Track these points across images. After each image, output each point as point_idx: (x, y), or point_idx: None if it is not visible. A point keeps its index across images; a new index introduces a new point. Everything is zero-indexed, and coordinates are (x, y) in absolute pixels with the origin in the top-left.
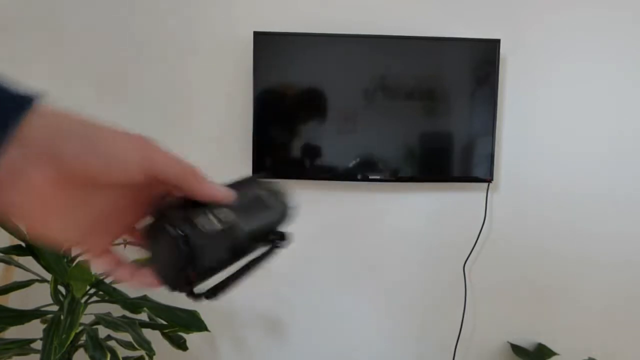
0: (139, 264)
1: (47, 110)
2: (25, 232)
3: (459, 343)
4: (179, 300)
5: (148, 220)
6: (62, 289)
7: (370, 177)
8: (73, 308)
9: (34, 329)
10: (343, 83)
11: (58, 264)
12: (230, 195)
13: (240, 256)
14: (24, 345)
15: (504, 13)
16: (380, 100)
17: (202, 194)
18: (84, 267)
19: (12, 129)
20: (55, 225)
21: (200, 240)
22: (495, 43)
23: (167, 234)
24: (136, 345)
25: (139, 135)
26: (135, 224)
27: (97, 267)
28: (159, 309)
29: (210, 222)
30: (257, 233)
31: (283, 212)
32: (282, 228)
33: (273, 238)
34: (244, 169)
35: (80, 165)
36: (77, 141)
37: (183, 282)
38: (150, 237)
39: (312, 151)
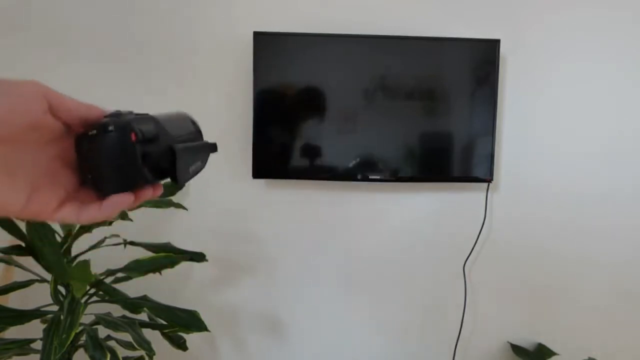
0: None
1: None
2: None
3: (459, 343)
4: (179, 300)
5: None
6: (62, 289)
7: (370, 177)
8: (73, 308)
9: (34, 329)
10: (343, 83)
11: (58, 264)
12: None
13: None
14: (24, 345)
15: (504, 13)
16: (380, 100)
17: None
18: (84, 267)
19: None
20: None
21: (144, 135)
22: (495, 43)
23: (114, 135)
24: (136, 345)
25: (28, 80)
26: (75, 178)
27: (61, 220)
28: (159, 309)
29: (145, 126)
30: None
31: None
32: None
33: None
34: (244, 169)
35: None
36: None
37: (140, 177)
38: (92, 149)
39: (312, 151)
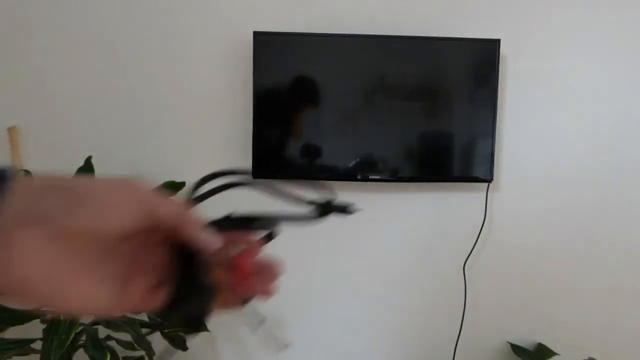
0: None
1: (24, 178)
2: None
3: (459, 343)
4: None
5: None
6: None
7: (370, 177)
8: None
9: (34, 329)
10: (343, 83)
11: None
12: (217, 244)
13: None
14: (24, 345)
15: (504, 13)
16: (380, 100)
17: (195, 243)
18: None
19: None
20: (77, 290)
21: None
22: (495, 43)
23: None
24: (136, 345)
25: (125, 181)
26: (159, 261)
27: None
28: None
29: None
30: None
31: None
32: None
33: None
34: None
35: (70, 220)
36: (60, 197)
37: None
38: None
39: (312, 151)
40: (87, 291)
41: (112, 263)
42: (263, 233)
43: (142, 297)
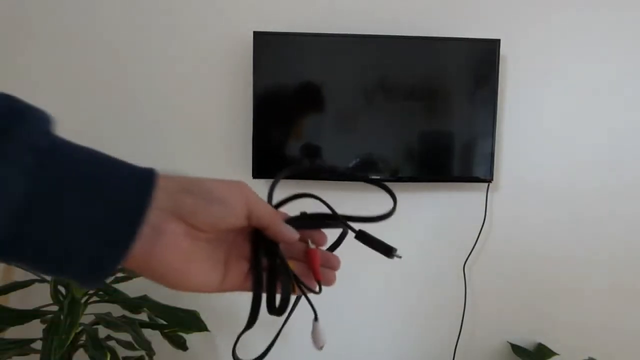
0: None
1: (165, 176)
2: (170, 285)
3: (459, 343)
4: (179, 300)
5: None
6: (62, 289)
7: (370, 177)
8: (73, 308)
9: (34, 329)
10: (343, 83)
11: None
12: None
13: None
14: (24, 345)
15: (504, 13)
16: (380, 100)
17: (281, 239)
18: None
19: (150, 197)
20: (195, 274)
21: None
22: (495, 43)
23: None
24: (136, 345)
25: (237, 184)
26: (244, 252)
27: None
28: (159, 309)
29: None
30: None
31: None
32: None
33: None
34: (244, 169)
35: (204, 216)
36: (196, 199)
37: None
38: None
39: (312, 151)
40: (204, 275)
41: (221, 251)
42: (335, 229)
43: (238, 280)
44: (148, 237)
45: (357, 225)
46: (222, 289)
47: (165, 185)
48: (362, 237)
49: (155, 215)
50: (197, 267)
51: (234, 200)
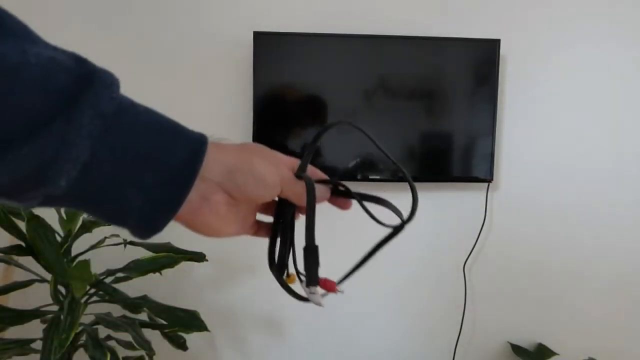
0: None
1: (213, 145)
2: (204, 235)
3: (459, 343)
4: (179, 300)
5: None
6: (62, 289)
7: (370, 177)
8: (73, 308)
9: (34, 329)
10: (343, 83)
11: (58, 264)
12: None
13: None
14: (24, 345)
15: (504, 13)
16: (380, 100)
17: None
18: (84, 267)
19: (198, 166)
20: (225, 230)
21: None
22: (495, 43)
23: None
24: (136, 345)
25: (279, 164)
26: (263, 206)
27: (259, 237)
28: (159, 309)
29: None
30: None
31: None
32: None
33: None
34: None
35: (245, 192)
36: (248, 176)
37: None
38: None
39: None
40: (229, 228)
41: (245, 211)
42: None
43: (248, 228)
44: (196, 203)
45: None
46: (236, 234)
47: (219, 159)
48: (310, 252)
49: (205, 185)
50: (226, 224)
51: (272, 181)
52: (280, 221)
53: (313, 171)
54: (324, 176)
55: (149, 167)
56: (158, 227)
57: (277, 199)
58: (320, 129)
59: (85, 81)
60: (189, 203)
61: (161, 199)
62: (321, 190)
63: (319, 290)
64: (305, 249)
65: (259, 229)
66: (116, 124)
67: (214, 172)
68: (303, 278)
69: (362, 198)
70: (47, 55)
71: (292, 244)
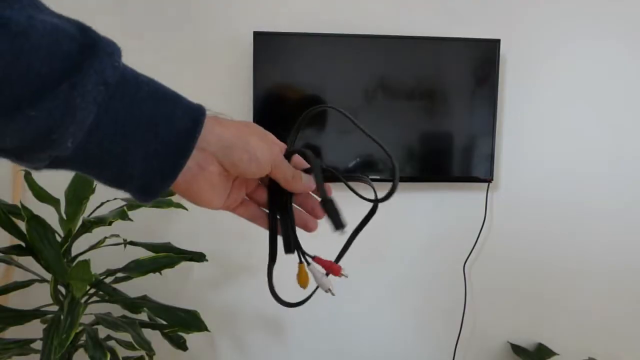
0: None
1: (211, 117)
2: (191, 202)
3: (459, 343)
4: (179, 300)
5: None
6: (62, 289)
7: (370, 177)
8: (73, 308)
9: (34, 329)
10: (343, 83)
11: (58, 264)
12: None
13: None
14: (24, 345)
15: (504, 13)
16: (380, 100)
17: (294, 191)
18: (84, 267)
19: (197, 136)
20: (215, 201)
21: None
22: (495, 43)
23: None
24: (136, 345)
25: (270, 148)
26: (252, 187)
27: (240, 215)
28: (159, 309)
29: None
30: None
31: None
32: None
33: None
34: None
35: (238, 167)
36: (242, 153)
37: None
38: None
39: (312, 151)
40: (218, 199)
41: (231, 182)
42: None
43: (233, 204)
44: (193, 171)
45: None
46: (221, 208)
47: (218, 133)
48: (328, 203)
49: (203, 155)
50: (216, 194)
51: (264, 160)
52: (275, 207)
53: (299, 161)
54: (308, 165)
55: (151, 133)
56: (157, 192)
57: (273, 198)
58: (305, 112)
59: (89, 48)
60: (187, 170)
61: (161, 165)
62: (308, 178)
63: (323, 272)
64: (322, 202)
65: (242, 206)
66: (119, 90)
67: (211, 144)
68: (312, 263)
69: (346, 178)
70: (52, 22)
71: (293, 226)
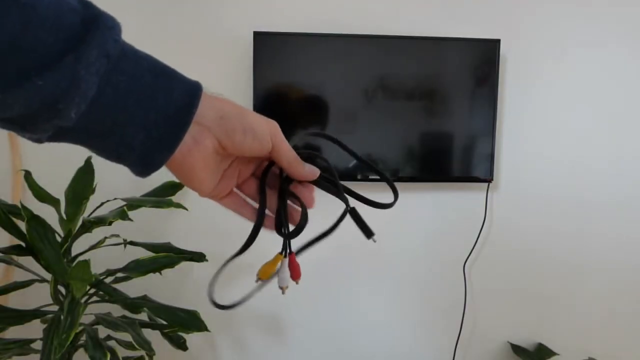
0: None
1: (209, 95)
2: (182, 183)
3: (459, 343)
4: (179, 300)
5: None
6: (62, 289)
7: (370, 177)
8: (73, 308)
9: (34, 329)
10: (343, 83)
11: (58, 264)
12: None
13: None
14: (24, 345)
15: (504, 13)
16: (380, 100)
17: (297, 177)
18: (84, 267)
19: (195, 109)
20: (206, 180)
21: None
22: (495, 43)
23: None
24: (136, 345)
25: (269, 122)
26: (244, 177)
27: (225, 206)
28: (159, 309)
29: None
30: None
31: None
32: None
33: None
34: None
35: (233, 140)
36: (236, 123)
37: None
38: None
39: (312, 151)
40: (208, 182)
41: (223, 166)
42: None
43: (223, 193)
44: (189, 144)
45: (353, 203)
46: (209, 195)
47: (214, 105)
48: (353, 214)
49: (198, 129)
50: (208, 175)
51: (261, 132)
52: (264, 197)
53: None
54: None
55: (150, 107)
56: (155, 165)
57: (268, 191)
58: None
59: (91, 22)
60: (183, 144)
61: (160, 137)
62: (310, 165)
63: (287, 272)
64: (349, 212)
65: (230, 197)
66: (120, 64)
67: (207, 117)
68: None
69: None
70: None
71: (286, 214)
